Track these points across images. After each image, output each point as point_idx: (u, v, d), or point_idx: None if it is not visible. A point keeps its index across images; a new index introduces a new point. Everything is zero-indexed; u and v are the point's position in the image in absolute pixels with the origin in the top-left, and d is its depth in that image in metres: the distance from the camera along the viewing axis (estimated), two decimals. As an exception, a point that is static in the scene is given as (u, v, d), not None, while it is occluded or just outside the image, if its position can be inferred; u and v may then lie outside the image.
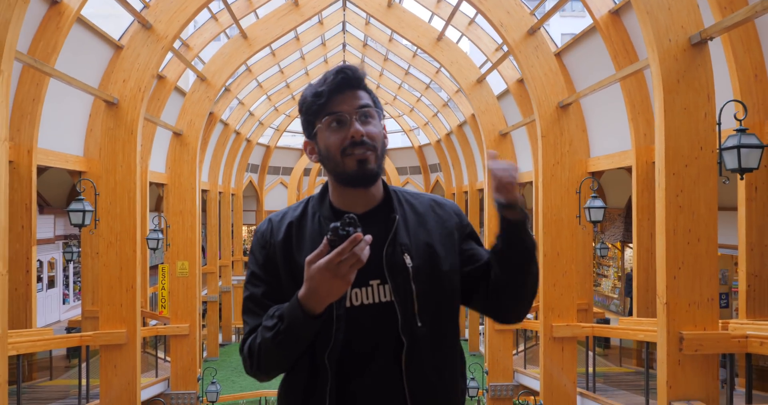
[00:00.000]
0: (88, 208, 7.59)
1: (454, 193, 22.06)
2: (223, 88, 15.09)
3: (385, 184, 1.43)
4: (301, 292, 1.19)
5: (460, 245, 1.43)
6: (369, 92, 1.37)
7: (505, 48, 10.35)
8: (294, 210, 1.43)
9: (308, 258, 1.16)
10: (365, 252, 1.12)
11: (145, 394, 9.17)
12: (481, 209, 16.22)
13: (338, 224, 1.13)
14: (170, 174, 10.67)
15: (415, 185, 25.66)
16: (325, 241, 1.14)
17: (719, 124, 4.66)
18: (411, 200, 1.44)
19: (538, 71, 7.46)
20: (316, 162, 1.39)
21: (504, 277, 1.37)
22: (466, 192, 19.81)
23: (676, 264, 4.62)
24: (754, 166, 4.62)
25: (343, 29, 18.08)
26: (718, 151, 4.67)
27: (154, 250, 10.26)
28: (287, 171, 26.35)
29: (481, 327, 17.76)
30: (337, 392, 1.30)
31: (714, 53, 6.16)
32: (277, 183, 26.43)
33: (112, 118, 7.35)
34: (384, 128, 1.40)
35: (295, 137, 28.16)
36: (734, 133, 4.65)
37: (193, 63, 12.20)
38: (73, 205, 7.57)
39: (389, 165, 23.95)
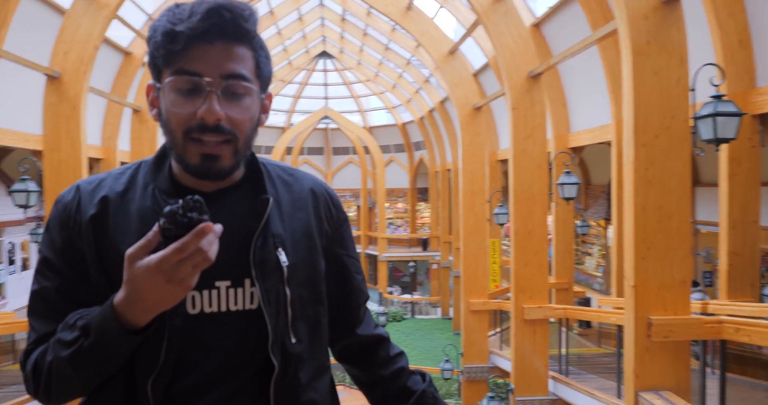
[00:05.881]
0: (33, 188, 7.12)
1: (437, 171, 21.65)
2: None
3: (252, 154, 1.04)
4: (118, 297, 0.84)
5: (330, 244, 1.12)
6: (256, 49, 0.95)
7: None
8: (116, 178, 1.01)
9: (129, 251, 0.82)
10: (214, 247, 0.80)
11: None
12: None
13: (177, 207, 0.79)
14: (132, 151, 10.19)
15: (400, 164, 25.17)
16: (155, 229, 0.80)
17: (693, 90, 4.25)
18: (286, 178, 1.09)
19: (507, 39, 6.98)
20: (156, 120, 0.98)
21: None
22: (449, 170, 19.38)
23: (645, 244, 4.26)
24: (732, 137, 4.22)
25: (321, 3, 17.43)
26: (692, 119, 4.27)
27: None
28: (268, 150, 25.79)
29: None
30: None
31: (695, 18, 5.75)
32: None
33: (54, 93, 6.92)
34: (269, 99, 1.02)
35: (277, 115, 27.45)
36: (710, 100, 4.25)
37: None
38: (17, 186, 7.10)
39: (372, 143, 23.24)
